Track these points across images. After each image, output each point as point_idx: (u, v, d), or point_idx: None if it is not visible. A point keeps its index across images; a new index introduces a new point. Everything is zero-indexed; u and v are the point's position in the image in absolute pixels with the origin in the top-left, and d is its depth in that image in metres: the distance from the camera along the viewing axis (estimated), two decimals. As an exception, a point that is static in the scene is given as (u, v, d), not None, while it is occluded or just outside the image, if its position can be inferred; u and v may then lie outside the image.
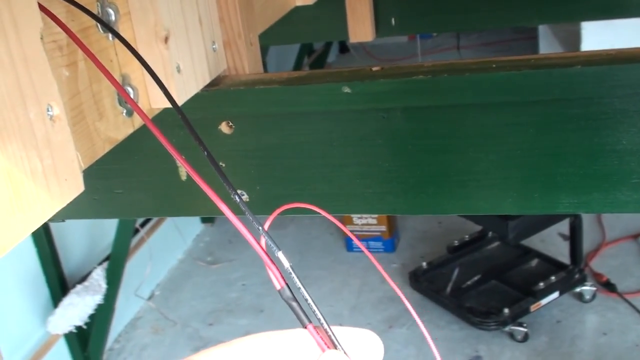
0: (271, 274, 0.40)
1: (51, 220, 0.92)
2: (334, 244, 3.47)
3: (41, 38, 0.48)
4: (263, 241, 0.42)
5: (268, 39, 1.42)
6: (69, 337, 2.61)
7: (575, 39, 4.00)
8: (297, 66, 5.22)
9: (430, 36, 6.11)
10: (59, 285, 2.56)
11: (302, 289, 0.41)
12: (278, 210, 0.43)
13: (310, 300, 0.41)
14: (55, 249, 2.55)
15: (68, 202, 0.50)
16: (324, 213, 0.44)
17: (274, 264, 0.41)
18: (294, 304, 0.41)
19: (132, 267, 2.96)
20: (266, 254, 0.41)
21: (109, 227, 2.78)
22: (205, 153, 0.49)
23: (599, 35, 3.68)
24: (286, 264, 0.41)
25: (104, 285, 2.59)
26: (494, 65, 0.68)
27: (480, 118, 0.71)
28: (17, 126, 0.45)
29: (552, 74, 0.66)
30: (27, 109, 0.46)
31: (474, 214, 0.75)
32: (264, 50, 4.00)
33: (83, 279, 2.62)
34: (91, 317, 2.55)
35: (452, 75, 0.68)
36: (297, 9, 1.34)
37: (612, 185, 0.70)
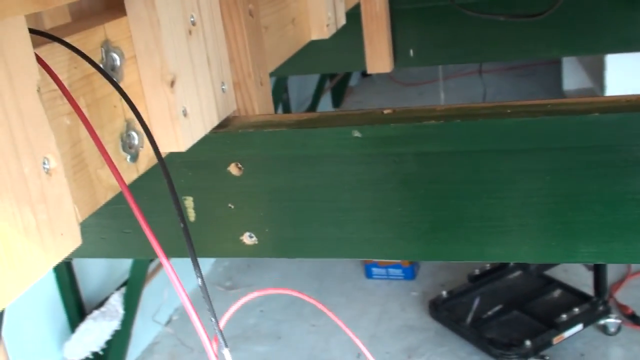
0: None
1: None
2: (353, 271, 3.44)
3: (38, 90, 0.47)
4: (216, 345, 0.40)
5: (286, 70, 1.41)
6: (85, 362, 2.61)
7: (599, 64, 3.95)
8: (319, 90, 5.23)
9: (452, 60, 6.08)
10: (77, 310, 2.56)
11: None
12: (240, 303, 0.42)
13: None
14: (73, 274, 2.55)
15: (64, 257, 0.49)
16: (296, 294, 0.43)
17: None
18: None
19: (150, 292, 2.95)
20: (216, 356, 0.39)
21: (127, 252, 2.78)
22: (178, 215, 0.47)
23: (624, 62, 3.64)
24: None
25: (121, 311, 2.58)
26: (508, 111, 0.66)
27: (495, 164, 0.68)
28: (10, 182, 0.44)
29: (569, 121, 0.63)
30: (21, 164, 0.45)
31: (489, 261, 0.73)
32: (284, 77, 4.01)
33: (100, 304, 2.62)
34: (108, 342, 2.54)
35: (465, 120, 0.66)
36: (314, 42, 1.33)
37: (633, 235, 0.67)
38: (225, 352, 0.39)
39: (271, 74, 1.07)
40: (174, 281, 0.49)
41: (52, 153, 0.48)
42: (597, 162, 0.65)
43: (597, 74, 4.09)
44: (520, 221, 0.70)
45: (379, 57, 1.49)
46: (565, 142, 0.65)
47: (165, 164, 0.58)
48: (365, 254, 0.77)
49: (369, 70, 1.52)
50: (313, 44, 1.39)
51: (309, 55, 1.45)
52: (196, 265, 0.47)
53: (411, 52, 1.55)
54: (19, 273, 0.45)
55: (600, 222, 0.67)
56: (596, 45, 1.49)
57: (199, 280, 0.47)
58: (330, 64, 1.66)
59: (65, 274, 2.50)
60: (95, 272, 2.75)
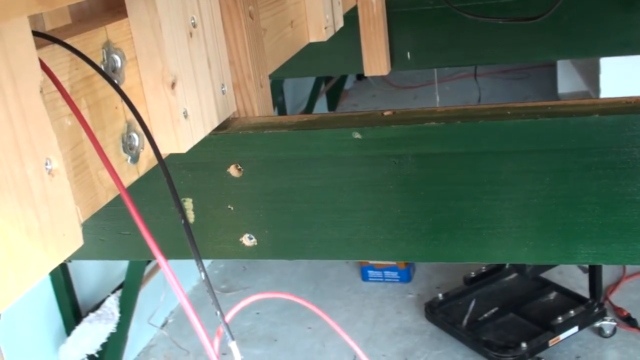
0: None
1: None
2: (349, 273, 3.44)
3: (41, 91, 0.47)
4: (216, 344, 0.40)
5: (283, 72, 1.41)
6: (81, 366, 2.60)
7: (594, 67, 3.97)
8: (314, 93, 5.23)
9: (447, 63, 6.08)
10: (72, 313, 2.55)
11: None
12: (244, 303, 0.42)
13: None
14: (69, 276, 2.54)
15: (66, 258, 0.48)
16: (295, 299, 0.43)
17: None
18: None
19: (146, 295, 2.94)
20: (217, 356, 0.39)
21: (123, 255, 2.77)
22: (183, 223, 0.47)
23: (618, 65, 3.65)
24: (238, 357, 0.40)
25: (117, 314, 2.58)
26: (508, 112, 0.66)
27: (495, 165, 0.69)
28: (13, 184, 0.44)
29: (569, 122, 0.64)
30: (24, 166, 0.45)
31: (489, 262, 0.73)
32: (280, 80, 4.01)
33: (96, 307, 2.61)
34: (103, 345, 2.53)
35: (465, 122, 0.66)
36: (311, 44, 1.33)
37: (632, 236, 0.67)
38: (232, 345, 0.39)
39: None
40: (172, 281, 0.49)
41: (54, 154, 0.48)
42: (596, 163, 0.65)
43: (592, 77, 4.11)
44: (520, 222, 0.70)
45: (376, 60, 1.50)
46: (565, 143, 0.65)
47: (165, 164, 0.58)
48: (364, 255, 0.77)
49: (366, 73, 1.52)
50: (310, 47, 1.39)
51: (306, 57, 1.45)
52: (199, 260, 0.46)
53: (408, 54, 1.56)
54: (20, 274, 0.45)
55: (599, 223, 0.68)
56: (593, 48, 1.49)
57: (202, 274, 0.47)
58: (327, 67, 1.66)
59: (60, 276, 2.49)
60: (91, 275, 2.75)
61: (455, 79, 5.72)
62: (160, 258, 0.55)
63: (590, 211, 0.67)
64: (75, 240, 0.50)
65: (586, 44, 1.46)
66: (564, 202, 0.68)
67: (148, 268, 2.95)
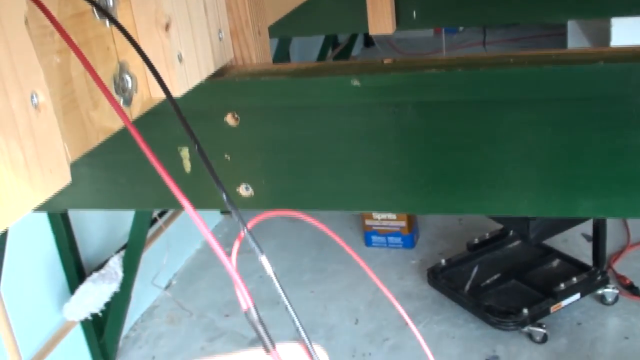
0: (239, 293, 0.37)
1: (52, 210, 0.91)
2: (352, 239, 3.44)
3: (26, 22, 0.45)
4: (234, 257, 0.39)
5: (287, 30, 1.38)
6: (84, 324, 2.62)
7: (604, 35, 3.90)
8: (321, 59, 5.18)
9: (455, 31, 6.03)
10: (76, 272, 2.56)
11: (283, 296, 0.39)
12: (264, 215, 0.40)
13: (290, 309, 0.39)
14: (73, 235, 2.55)
15: (52, 194, 0.48)
16: (311, 220, 0.42)
17: (243, 282, 0.38)
18: (260, 327, 0.38)
19: (150, 256, 2.95)
20: (237, 271, 0.38)
21: (127, 215, 2.77)
22: (196, 147, 0.46)
23: (630, 32, 3.59)
24: (269, 269, 0.39)
25: (120, 274, 2.59)
26: (511, 60, 0.65)
27: (496, 115, 0.67)
28: (-4, 114, 0.43)
29: (573, 70, 0.62)
30: (8, 97, 0.44)
31: (488, 214, 0.72)
32: (287, 42, 3.96)
33: (100, 266, 2.62)
34: (107, 304, 2.55)
35: (467, 69, 0.65)
36: (316, 3, 1.31)
37: (635, 189, 0.66)
38: (263, 259, 0.38)
39: (273, 36, 1.05)
40: (193, 215, 0.46)
41: (40, 88, 0.47)
42: (600, 114, 0.64)
43: (603, 45, 4.05)
44: (521, 174, 0.69)
45: (381, 18, 1.47)
46: (569, 92, 0.63)
47: (173, 98, 0.56)
48: (362, 206, 0.76)
49: (371, 32, 1.50)
50: (315, 5, 1.36)
51: (311, 16, 1.43)
52: (219, 184, 0.45)
53: (414, 13, 1.53)
54: (5, 207, 0.44)
55: (601, 175, 0.66)
56: (603, 8, 1.46)
57: (224, 195, 0.45)
58: (332, 25, 1.63)
59: (64, 235, 2.50)
60: (95, 235, 2.76)
61: (463, 47, 5.66)
62: (173, 187, 0.52)
63: (593, 163, 0.66)
64: (63, 177, 0.49)
65: (597, 3, 1.42)
66: (566, 154, 0.67)
67: (151, 231, 2.95)
